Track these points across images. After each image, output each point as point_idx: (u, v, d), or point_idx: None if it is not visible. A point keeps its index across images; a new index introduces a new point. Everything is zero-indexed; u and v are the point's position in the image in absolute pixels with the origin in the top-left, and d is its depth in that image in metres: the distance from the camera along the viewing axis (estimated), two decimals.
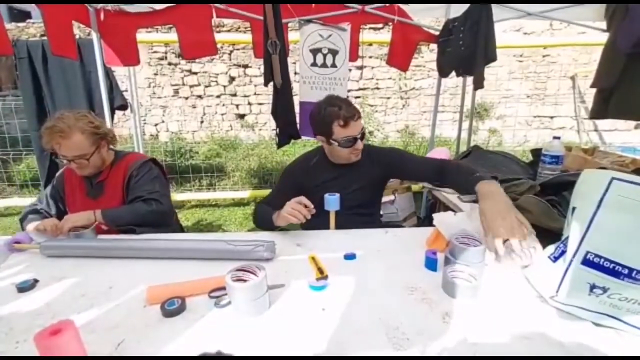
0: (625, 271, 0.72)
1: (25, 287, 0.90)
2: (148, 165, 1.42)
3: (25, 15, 8.45)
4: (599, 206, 0.75)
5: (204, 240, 1.09)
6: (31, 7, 9.30)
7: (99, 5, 2.10)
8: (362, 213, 1.43)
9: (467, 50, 2.04)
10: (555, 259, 0.85)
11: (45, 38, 2.42)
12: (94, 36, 2.17)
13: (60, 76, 2.70)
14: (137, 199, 1.34)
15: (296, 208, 1.08)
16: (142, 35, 2.45)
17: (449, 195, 1.76)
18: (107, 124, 1.45)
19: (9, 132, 3.65)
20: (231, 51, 5.57)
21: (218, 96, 5.79)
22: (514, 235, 0.85)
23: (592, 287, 0.76)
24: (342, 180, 1.41)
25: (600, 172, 0.78)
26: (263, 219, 1.28)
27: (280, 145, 2.23)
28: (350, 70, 5.18)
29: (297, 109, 2.24)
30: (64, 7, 1.88)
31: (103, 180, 1.38)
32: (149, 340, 0.72)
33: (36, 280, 0.93)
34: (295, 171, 1.46)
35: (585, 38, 4.49)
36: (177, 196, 3.58)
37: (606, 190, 0.74)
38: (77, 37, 2.36)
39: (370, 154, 1.44)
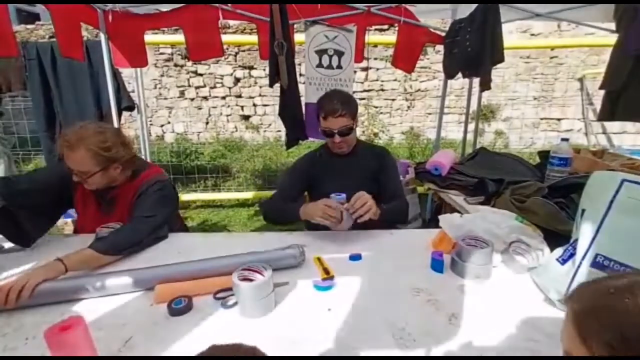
0: None
1: None
2: (158, 185, 1.26)
3: (34, 17, 8.57)
4: (609, 208, 0.74)
5: (229, 256, 0.98)
6: (40, 9, 9.43)
7: (108, 7, 2.12)
8: None
9: (473, 51, 2.03)
10: (564, 261, 0.84)
11: (54, 40, 2.45)
12: (102, 38, 2.19)
13: (69, 78, 2.74)
14: (135, 218, 1.18)
15: (328, 212, 1.11)
16: (148, 36, 2.47)
17: (455, 197, 1.75)
18: (126, 139, 1.24)
19: (18, 133, 3.69)
20: (236, 53, 5.60)
21: (223, 97, 5.82)
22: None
23: None
24: (343, 172, 1.47)
25: (610, 173, 0.78)
26: (281, 213, 1.37)
27: (288, 146, 2.25)
28: (355, 71, 5.18)
29: (302, 110, 2.24)
30: (72, 8, 1.90)
31: (115, 197, 1.26)
32: (156, 338, 0.73)
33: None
34: (303, 163, 1.55)
35: (593, 39, 4.43)
36: (182, 197, 3.60)
37: (616, 192, 0.73)
38: (84, 39, 2.39)
39: (371, 149, 1.56)
